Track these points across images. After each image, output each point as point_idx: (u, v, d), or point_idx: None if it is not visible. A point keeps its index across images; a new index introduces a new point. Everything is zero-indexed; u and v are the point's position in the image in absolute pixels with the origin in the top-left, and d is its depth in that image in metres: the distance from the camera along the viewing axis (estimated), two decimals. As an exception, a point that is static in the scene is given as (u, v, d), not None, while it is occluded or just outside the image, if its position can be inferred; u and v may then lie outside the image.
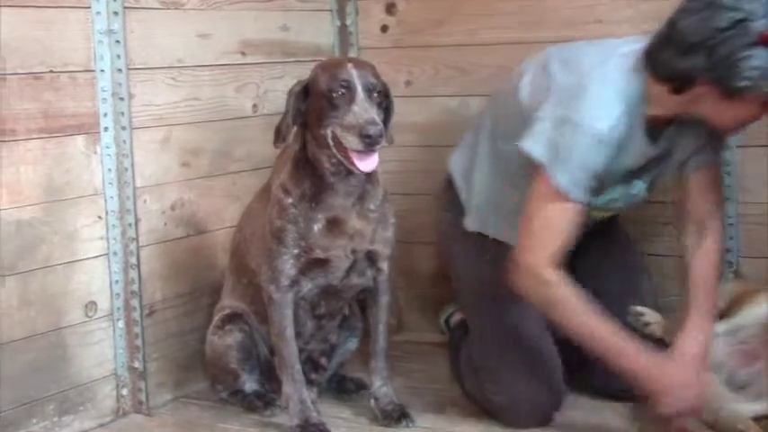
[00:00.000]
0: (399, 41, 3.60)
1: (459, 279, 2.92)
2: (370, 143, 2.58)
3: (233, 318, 2.96)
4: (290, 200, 2.73)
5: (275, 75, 3.42)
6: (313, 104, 2.67)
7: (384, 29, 3.63)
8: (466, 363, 2.93)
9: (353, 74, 2.65)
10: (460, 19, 3.49)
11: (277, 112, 3.30)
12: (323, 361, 3.01)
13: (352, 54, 3.62)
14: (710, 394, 2.64)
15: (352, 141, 2.60)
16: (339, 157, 2.65)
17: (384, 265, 2.86)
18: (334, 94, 2.64)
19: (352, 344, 3.09)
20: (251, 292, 2.92)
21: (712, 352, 2.69)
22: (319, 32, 3.59)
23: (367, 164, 2.61)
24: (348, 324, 3.05)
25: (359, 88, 2.64)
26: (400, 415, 2.87)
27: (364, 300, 2.94)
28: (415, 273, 3.67)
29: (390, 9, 3.61)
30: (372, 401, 2.92)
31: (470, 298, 2.89)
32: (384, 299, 2.91)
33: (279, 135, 2.70)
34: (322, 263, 2.76)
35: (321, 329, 2.95)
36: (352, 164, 2.62)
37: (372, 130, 2.57)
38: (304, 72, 3.39)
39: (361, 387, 3.05)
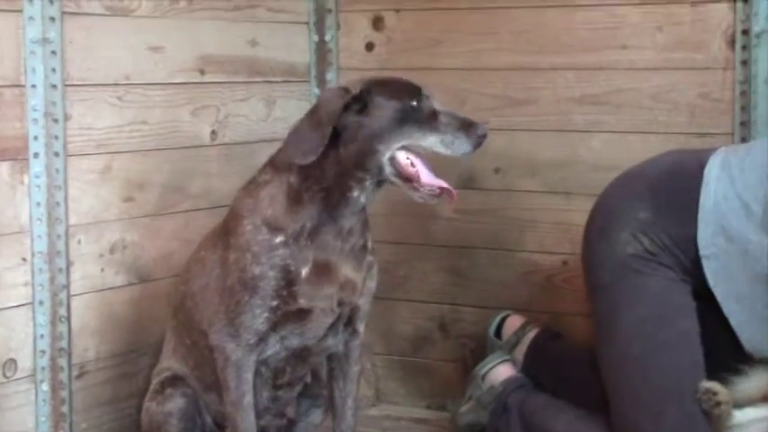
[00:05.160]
0: (387, 62, 3.51)
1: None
2: (482, 138, 2.58)
3: (174, 381, 2.85)
4: (279, 239, 2.62)
5: (239, 97, 3.37)
6: (375, 118, 2.59)
7: (369, 47, 3.56)
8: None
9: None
10: (461, 38, 3.43)
11: (240, 140, 3.32)
12: (278, 438, 2.91)
13: (331, 75, 3.59)
14: None
15: (459, 144, 2.57)
16: (399, 182, 2.59)
17: (361, 327, 2.78)
18: (413, 104, 2.60)
19: (316, 416, 2.97)
20: (195, 355, 2.82)
21: None
22: (293, 49, 3.54)
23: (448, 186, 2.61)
24: (309, 392, 2.93)
25: (434, 99, 2.65)
26: None
27: (330, 368, 2.84)
28: (394, 335, 3.63)
29: (378, 24, 3.55)
30: (340, 492, 2.81)
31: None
32: (356, 369, 2.82)
33: (306, 150, 2.57)
34: (301, 316, 2.65)
35: (277, 401, 2.83)
36: (434, 196, 2.60)
37: (483, 128, 2.58)
38: (273, 95, 3.43)
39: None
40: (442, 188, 2.60)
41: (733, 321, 2.71)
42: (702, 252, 2.69)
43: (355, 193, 2.62)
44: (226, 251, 2.69)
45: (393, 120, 2.59)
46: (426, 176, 2.59)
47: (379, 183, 2.62)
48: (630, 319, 2.75)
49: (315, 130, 2.58)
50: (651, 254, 2.73)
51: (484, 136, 2.59)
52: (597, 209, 2.87)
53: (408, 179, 2.59)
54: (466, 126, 2.59)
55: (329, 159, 2.61)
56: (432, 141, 2.59)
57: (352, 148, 2.59)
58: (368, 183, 2.61)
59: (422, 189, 2.59)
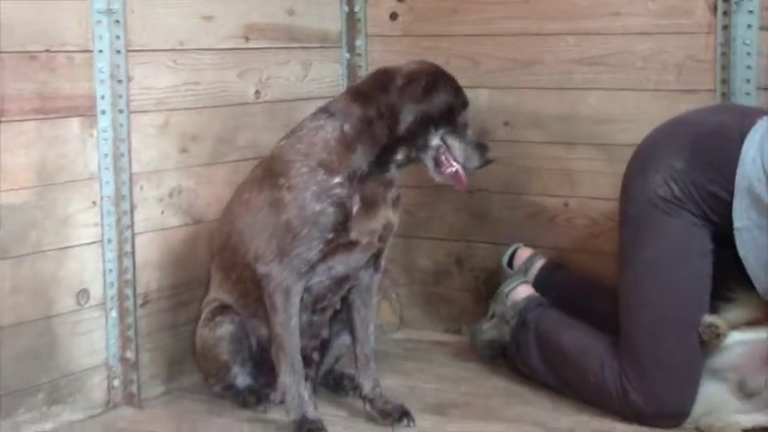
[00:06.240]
0: (409, 30, 3.63)
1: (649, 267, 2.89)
2: (489, 161, 2.85)
3: (223, 309, 2.98)
4: (336, 179, 2.77)
5: (279, 61, 3.45)
6: (437, 105, 2.80)
7: (393, 16, 3.66)
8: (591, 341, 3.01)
9: None
10: (474, 7, 3.52)
11: (280, 99, 3.38)
12: (315, 356, 3.03)
13: (360, 41, 3.68)
14: (713, 403, 2.75)
15: (472, 159, 2.81)
16: (430, 163, 2.81)
17: (383, 262, 2.93)
18: (460, 106, 2.82)
19: (347, 338, 3.08)
20: (239, 288, 2.95)
21: (727, 355, 2.82)
22: (326, 18, 3.62)
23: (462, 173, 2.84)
24: (340, 317, 3.06)
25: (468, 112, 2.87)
26: (401, 414, 2.89)
27: (351, 300, 2.97)
28: (416, 269, 3.72)
29: (401, -4, 3.57)
30: (367, 405, 2.94)
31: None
32: (375, 299, 2.98)
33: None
34: (350, 247, 2.80)
35: (312, 325, 2.97)
36: (453, 177, 2.82)
37: (492, 154, 2.85)
38: (309, 59, 3.49)
39: (358, 386, 3.03)
40: (456, 172, 2.82)
41: (761, 289, 2.80)
42: (736, 224, 2.75)
43: (400, 156, 2.81)
44: (275, 191, 2.81)
45: (449, 112, 2.80)
46: (450, 162, 2.81)
47: (412, 159, 2.83)
48: (650, 253, 2.84)
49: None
50: (678, 200, 2.80)
51: (490, 160, 2.83)
52: (641, 150, 2.92)
53: (438, 162, 2.81)
54: (481, 147, 2.83)
55: (384, 127, 2.78)
56: (456, 147, 2.81)
57: (411, 125, 2.78)
58: (413, 154, 2.81)
59: (446, 172, 2.81)
